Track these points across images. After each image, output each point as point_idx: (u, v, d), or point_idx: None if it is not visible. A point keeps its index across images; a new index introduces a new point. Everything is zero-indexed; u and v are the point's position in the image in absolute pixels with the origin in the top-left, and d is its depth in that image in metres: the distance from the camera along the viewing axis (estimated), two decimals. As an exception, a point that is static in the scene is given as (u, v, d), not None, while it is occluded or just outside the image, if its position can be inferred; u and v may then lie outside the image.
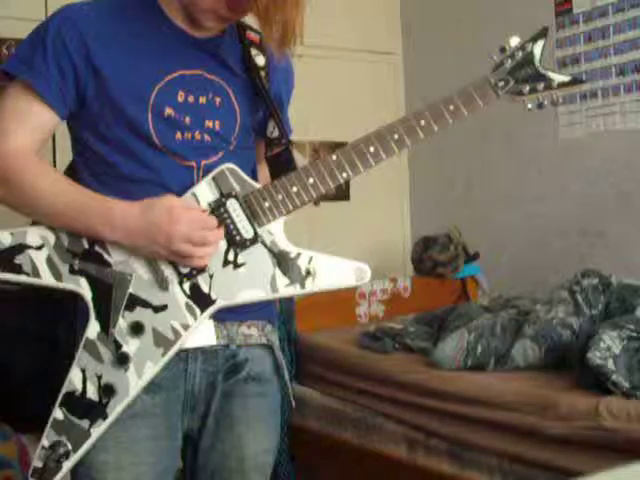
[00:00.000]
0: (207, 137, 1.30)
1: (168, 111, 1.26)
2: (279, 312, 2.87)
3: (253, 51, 1.35)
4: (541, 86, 1.33)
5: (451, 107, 1.29)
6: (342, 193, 3.66)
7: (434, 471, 2.31)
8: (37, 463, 1.20)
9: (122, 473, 1.26)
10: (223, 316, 1.29)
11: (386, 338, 2.68)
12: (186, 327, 1.24)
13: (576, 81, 1.36)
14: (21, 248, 1.23)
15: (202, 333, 1.28)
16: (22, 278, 1.23)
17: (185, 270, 1.24)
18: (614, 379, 1.95)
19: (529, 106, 1.35)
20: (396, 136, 1.28)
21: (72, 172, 1.33)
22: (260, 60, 1.35)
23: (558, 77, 1.34)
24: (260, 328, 1.37)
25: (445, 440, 2.29)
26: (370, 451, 2.53)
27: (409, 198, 3.98)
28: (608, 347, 2.02)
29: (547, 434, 1.99)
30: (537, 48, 1.33)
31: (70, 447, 1.20)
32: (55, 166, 2.38)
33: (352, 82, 3.72)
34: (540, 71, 1.33)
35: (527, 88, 1.33)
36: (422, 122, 1.29)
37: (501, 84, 1.32)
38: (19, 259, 1.23)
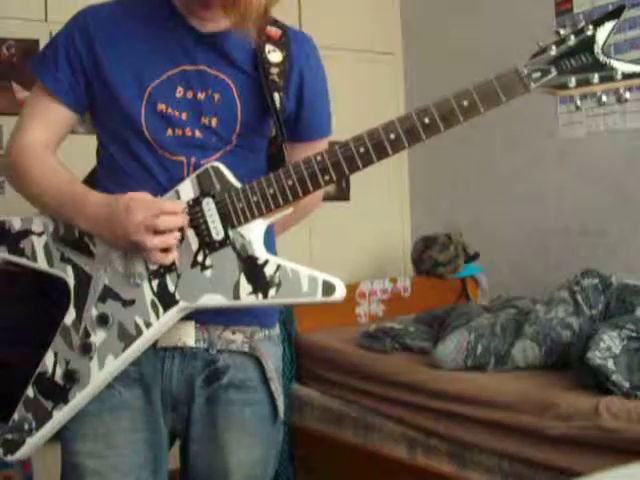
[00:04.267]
0: (198, 134, 1.28)
1: (160, 106, 1.27)
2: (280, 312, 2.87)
3: (268, 47, 1.31)
4: (595, 78, 1.12)
5: (465, 102, 1.13)
6: (342, 193, 3.66)
7: (434, 471, 2.31)
8: (6, 435, 1.26)
9: (100, 461, 1.28)
10: (207, 318, 1.28)
11: (386, 338, 2.68)
12: (148, 325, 1.23)
13: None
14: (26, 233, 1.32)
15: (180, 333, 1.28)
16: (23, 261, 1.31)
17: (154, 267, 1.24)
18: (614, 379, 1.95)
19: (578, 102, 1.15)
20: (392, 136, 1.16)
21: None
22: (275, 56, 1.30)
23: (624, 66, 1.11)
24: (247, 334, 1.33)
25: (445, 440, 2.29)
26: (370, 451, 2.53)
27: (409, 198, 3.98)
28: (608, 347, 2.01)
29: (547, 434, 1.99)
30: (602, 32, 1.12)
31: (34, 425, 1.25)
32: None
33: (352, 82, 3.71)
34: (600, 59, 1.11)
35: (573, 80, 1.12)
36: (426, 120, 1.14)
37: (536, 75, 1.12)
38: (23, 243, 1.31)
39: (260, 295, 1.20)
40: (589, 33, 1.13)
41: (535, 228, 3.30)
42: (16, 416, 1.25)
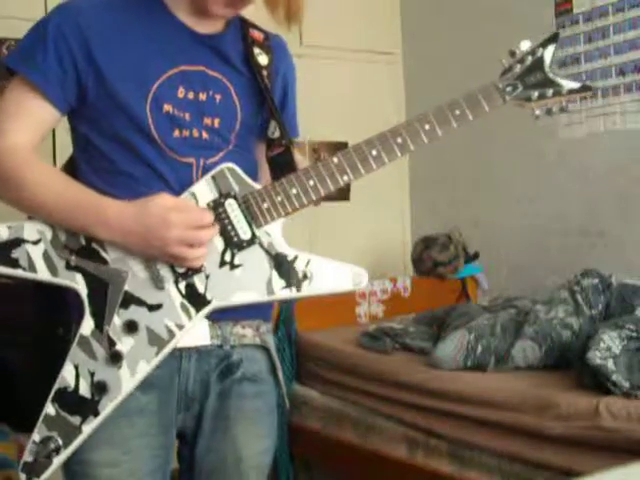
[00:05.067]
0: (205, 134, 1.29)
1: (167, 107, 1.26)
2: (279, 311, 2.88)
3: (256, 50, 1.34)
4: (550, 92, 1.30)
5: (457, 111, 1.28)
6: (342, 193, 3.66)
7: (434, 471, 2.31)
8: (27, 458, 1.21)
9: (116, 469, 1.26)
10: (217, 316, 1.29)
11: (386, 338, 2.68)
12: (180, 327, 1.23)
13: (585, 88, 1.32)
14: (18, 242, 1.23)
15: (196, 332, 1.28)
16: (18, 272, 1.22)
17: (181, 270, 1.24)
18: (614, 379, 1.95)
19: (537, 112, 1.32)
20: (399, 140, 1.27)
21: (72, 168, 1.32)
22: (263, 59, 1.35)
23: (567, 83, 1.31)
24: (255, 328, 1.36)
25: (445, 440, 2.29)
26: (370, 451, 2.53)
27: (409, 198, 3.98)
28: (608, 347, 2.02)
29: (547, 434, 1.99)
30: (547, 53, 1.31)
31: (61, 443, 1.20)
32: (55, 163, 2.38)
33: (352, 82, 3.71)
34: (549, 77, 1.30)
35: (536, 94, 1.30)
36: (426, 126, 1.27)
37: (509, 89, 1.29)
38: (16, 253, 1.22)
39: (294, 289, 1.26)
40: (539, 54, 1.31)
41: (535, 228, 3.30)
42: (37, 437, 1.20)
